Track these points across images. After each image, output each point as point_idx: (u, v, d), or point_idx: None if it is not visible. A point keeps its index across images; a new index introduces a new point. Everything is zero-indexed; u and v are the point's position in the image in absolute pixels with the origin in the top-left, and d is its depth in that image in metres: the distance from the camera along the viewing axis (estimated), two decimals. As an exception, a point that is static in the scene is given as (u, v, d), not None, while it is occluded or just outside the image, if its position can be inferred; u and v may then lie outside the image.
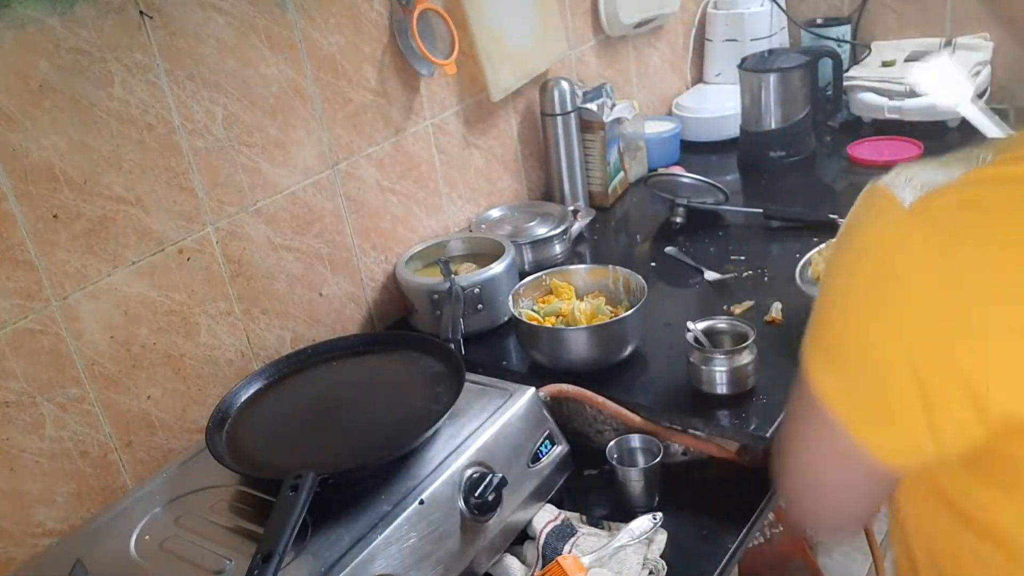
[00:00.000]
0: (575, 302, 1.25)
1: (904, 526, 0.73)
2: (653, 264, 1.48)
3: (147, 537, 0.94)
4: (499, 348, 1.32)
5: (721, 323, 1.15)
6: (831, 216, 1.46)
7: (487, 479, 0.95)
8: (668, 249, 1.50)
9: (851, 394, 0.61)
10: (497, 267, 1.34)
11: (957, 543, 0.66)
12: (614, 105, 1.69)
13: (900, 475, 0.66)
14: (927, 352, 0.56)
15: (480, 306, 1.32)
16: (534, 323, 1.22)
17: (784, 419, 0.69)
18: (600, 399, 1.12)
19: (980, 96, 1.78)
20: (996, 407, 0.55)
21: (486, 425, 1.02)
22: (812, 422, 0.65)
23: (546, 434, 1.07)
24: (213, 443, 1.00)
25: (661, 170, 1.71)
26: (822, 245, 1.33)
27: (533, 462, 1.04)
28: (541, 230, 1.51)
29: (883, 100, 1.83)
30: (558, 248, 1.51)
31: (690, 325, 1.13)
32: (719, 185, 1.55)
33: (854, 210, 0.61)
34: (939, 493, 0.66)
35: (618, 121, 1.69)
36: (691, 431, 1.10)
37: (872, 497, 0.70)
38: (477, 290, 1.31)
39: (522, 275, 1.35)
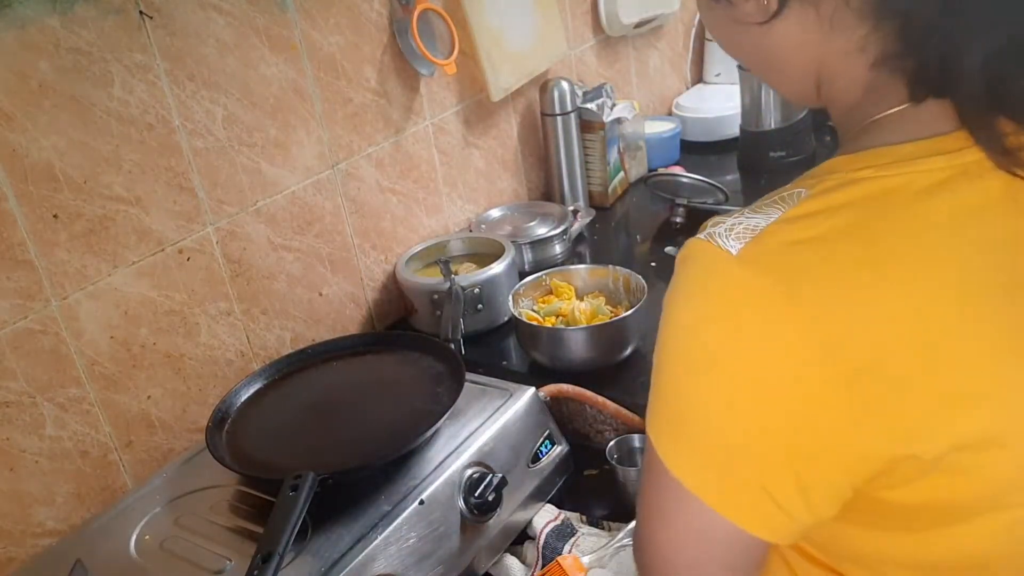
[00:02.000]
0: (575, 302, 1.25)
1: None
2: (653, 264, 1.48)
3: (147, 537, 0.94)
4: (499, 348, 1.32)
5: None
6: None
7: (487, 479, 0.96)
8: (668, 249, 1.50)
9: (709, 464, 0.55)
10: (497, 267, 1.34)
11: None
12: (614, 105, 1.69)
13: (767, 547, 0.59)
14: (798, 423, 0.51)
15: (480, 306, 1.32)
16: (534, 323, 1.22)
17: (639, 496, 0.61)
18: (600, 399, 1.12)
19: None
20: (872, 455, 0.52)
21: (486, 425, 1.02)
22: (673, 508, 0.57)
23: (546, 434, 1.07)
24: (213, 443, 1.00)
25: (661, 170, 1.71)
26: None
27: (533, 462, 1.04)
28: (541, 230, 1.51)
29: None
30: (558, 248, 1.51)
31: None
32: (719, 185, 1.55)
33: (677, 275, 0.56)
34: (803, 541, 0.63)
35: (618, 121, 1.69)
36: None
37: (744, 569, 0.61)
38: (477, 290, 1.31)
39: (522, 275, 1.35)
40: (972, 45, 0.52)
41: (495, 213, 1.58)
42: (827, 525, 0.57)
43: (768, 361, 0.51)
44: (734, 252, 0.52)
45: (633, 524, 0.97)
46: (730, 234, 0.53)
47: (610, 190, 1.72)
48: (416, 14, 1.32)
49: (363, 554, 0.86)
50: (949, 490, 0.54)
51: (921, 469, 0.52)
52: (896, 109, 0.57)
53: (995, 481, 0.53)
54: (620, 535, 0.98)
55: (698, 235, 0.55)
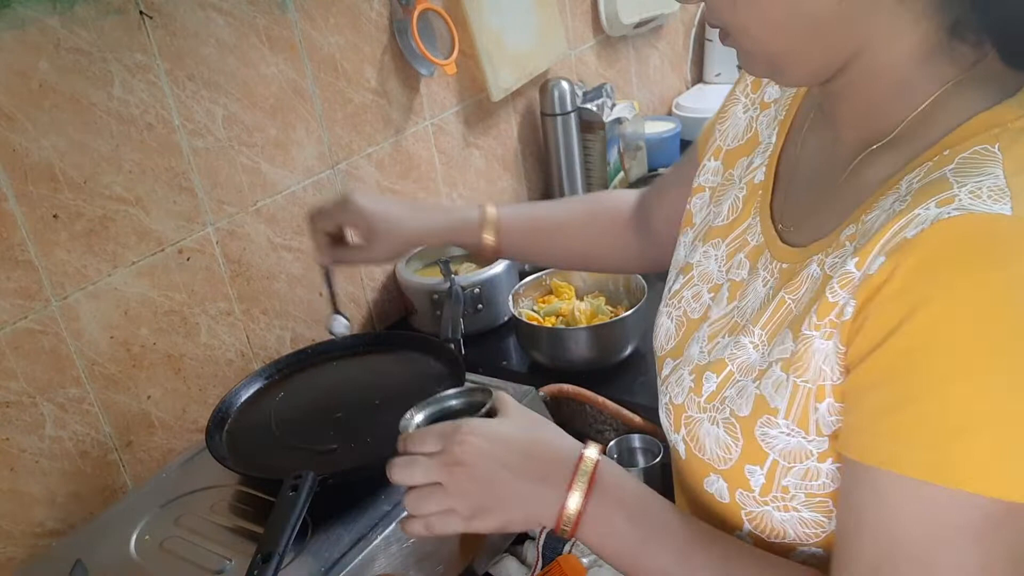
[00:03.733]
0: (575, 302, 1.25)
1: None
2: (653, 264, 1.48)
3: (147, 537, 0.94)
4: (499, 348, 1.32)
5: None
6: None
7: (487, 479, 0.95)
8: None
9: None
10: (497, 267, 1.34)
11: None
12: (614, 105, 1.69)
13: None
14: None
15: (480, 306, 1.32)
16: (534, 323, 1.22)
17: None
18: (600, 399, 1.12)
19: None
20: None
21: (486, 425, 1.02)
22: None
23: (546, 434, 1.07)
24: (213, 443, 1.00)
25: (661, 170, 1.71)
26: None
27: (533, 462, 1.04)
28: (541, 230, 1.51)
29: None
30: (558, 248, 1.51)
31: None
32: (719, 185, 1.55)
33: (955, 258, 0.49)
34: None
35: (618, 121, 1.69)
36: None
37: None
38: (477, 290, 1.31)
39: (522, 275, 1.35)
40: None
41: (495, 213, 1.58)
42: None
43: None
44: (1008, 212, 0.49)
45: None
46: (983, 200, 0.49)
47: (610, 190, 1.72)
48: (416, 14, 1.32)
49: (363, 554, 0.86)
50: None
51: None
52: (968, 72, 0.57)
53: None
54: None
55: (940, 216, 0.49)
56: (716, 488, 0.65)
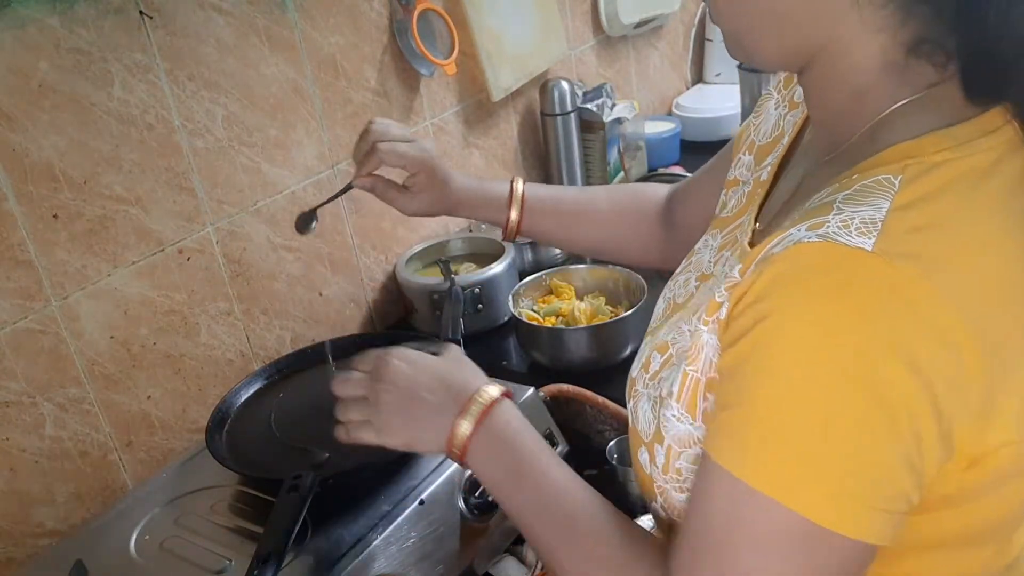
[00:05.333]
0: (575, 302, 1.25)
1: None
2: (653, 264, 1.48)
3: (147, 537, 0.94)
4: (499, 348, 1.32)
5: None
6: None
7: (487, 479, 0.95)
8: (668, 249, 1.50)
9: (853, 492, 0.51)
10: (497, 267, 1.34)
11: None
12: (614, 105, 1.69)
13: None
14: (946, 386, 0.50)
15: (480, 306, 1.32)
16: (534, 323, 1.22)
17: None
18: (600, 399, 1.12)
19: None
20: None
21: (486, 425, 1.02)
22: (782, 533, 0.52)
23: (546, 434, 1.07)
24: (213, 443, 1.00)
25: (661, 170, 1.71)
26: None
27: (533, 462, 1.04)
28: (541, 230, 1.51)
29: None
30: (558, 248, 1.51)
31: None
32: (719, 185, 1.55)
33: (799, 283, 0.51)
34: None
35: (618, 121, 1.69)
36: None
37: None
38: (477, 290, 1.31)
39: (522, 275, 1.35)
40: (1004, 34, 0.52)
41: (495, 213, 1.58)
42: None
43: (919, 343, 0.49)
44: (868, 248, 0.49)
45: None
46: (850, 231, 0.50)
47: (610, 190, 1.72)
48: (416, 14, 1.32)
49: (363, 554, 0.86)
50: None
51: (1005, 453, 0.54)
52: (923, 93, 0.57)
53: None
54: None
55: (808, 238, 0.51)
56: (642, 459, 0.67)
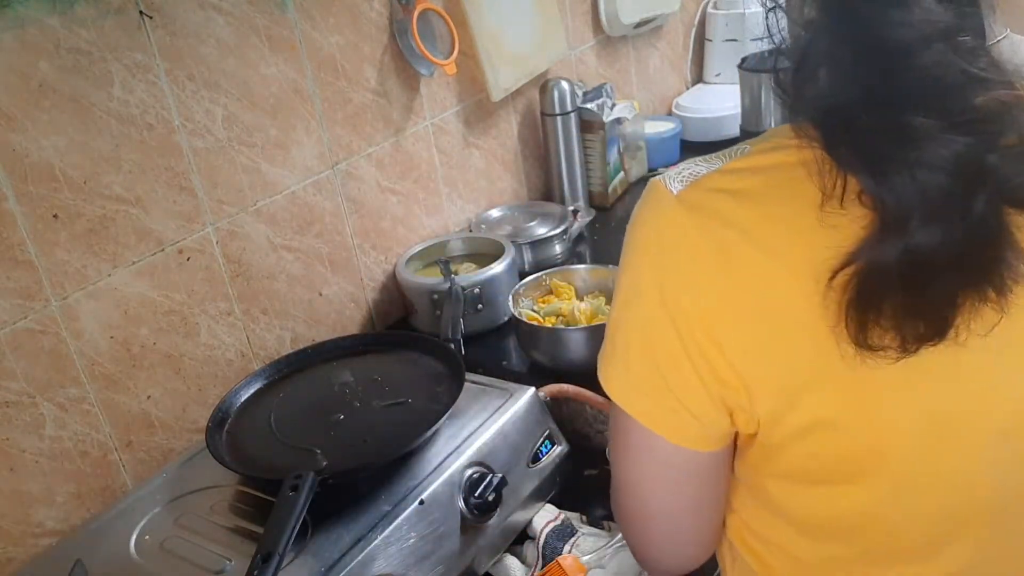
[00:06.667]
0: (575, 302, 1.25)
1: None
2: (653, 264, 1.48)
3: (147, 537, 0.94)
4: (499, 348, 1.32)
5: None
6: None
7: (487, 479, 0.95)
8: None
9: (634, 382, 0.63)
10: (497, 267, 1.34)
11: (761, 523, 0.70)
12: (614, 105, 1.69)
13: (707, 461, 0.67)
14: (693, 320, 0.58)
15: (480, 306, 1.32)
16: (534, 323, 1.22)
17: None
18: (600, 399, 1.12)
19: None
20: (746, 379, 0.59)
21: (486, 425, 1.02)
22: (618, 430, 0.67)
23: (546, 434, 1.07)
24: (213, 443, 1.00)
25: (661, 170, 1.70)
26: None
27: (533, 462, 1.04)
28: (541, 230, 1.51)
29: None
30: (558, 248, 1.51)
31: None
32: (719, 185, 1.55)
33: (636, 205, 0.64)
34: (745, 484, 0.70)
35: (618, 121, 1.69)
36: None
37: (697, 498, 0.70)
38: (477, 290, 1.31)
39: (522, 275, 1.35)
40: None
41: (495, 213, 1.58)
42: (749, 466, 0.66)
43: (678, 272, 0.59)
44: (675, 192, 0.59)
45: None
46: (677, 177, 0.60)
47: (610, 190, 1.72)
48: (416, 14, 1.32)
49: (363, 554, 0.86)
50: (808, 459, 0.61)
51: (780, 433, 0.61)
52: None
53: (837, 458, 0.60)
54: (620, 535, 0.98)
55: (657, 176, 0.63)
56: None
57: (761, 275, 0.56)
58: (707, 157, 0.62)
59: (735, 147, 0.62)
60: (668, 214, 0.59)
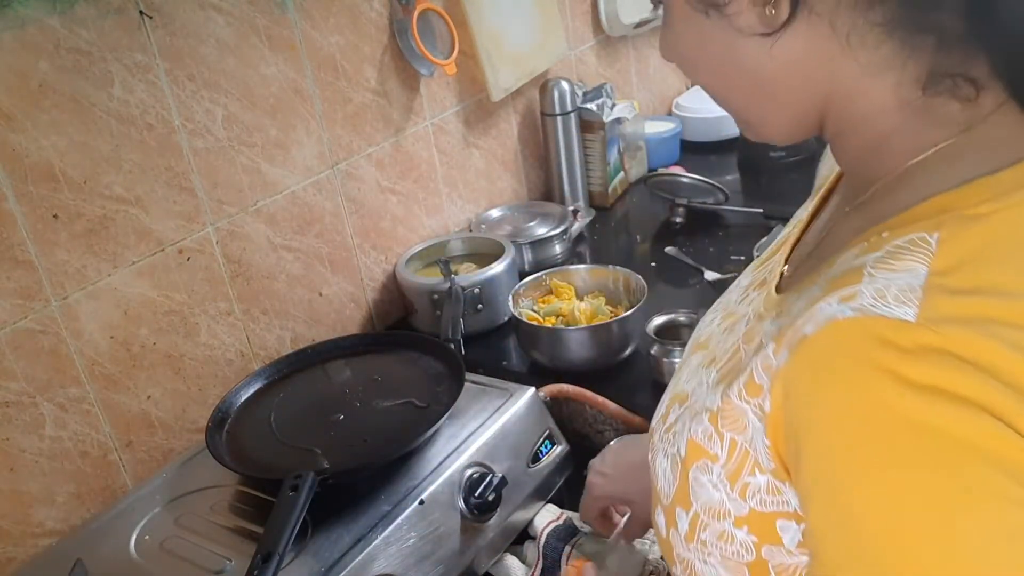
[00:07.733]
0: (575, 302, 1.25)
1: None
2: (653, 264, 1.48)
3: (147, 537, 0.94)
4: (499, 348, 1.32)
5: (682, 316, 1.15)
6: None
7: (487, 479, 0.96)
8: (668, 249, 1.50)
9: None
10: (497, 267, 1.34)
11: None
12: (614, 105, 1.69)
13: None
14: None
15: (480, 306, 1.32)
16: (534, 323, 1.22)
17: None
18: (600, 399, 1.12)
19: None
20: None
21: (486, 425, 1.02)
22: None
23: (546, 434, 1.07)
24: (213, 443, 1.00)
25: (661, 170, 1.71)
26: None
27: (533, 462, 1.04)
28: (541, 230, 1.51)
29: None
30: (558, 248, 1.51)
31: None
32: (719, 185, 1.55)
33: (833, 373, 0.45)
34: None
35: (618, 121, 1.69)
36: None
37: None
38: (477, 290, 1.31)
39: (522, 275, 1.35)
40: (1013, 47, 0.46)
41: (495, 213, 1.58)
42: None
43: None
44: (911, 319, 0.43)
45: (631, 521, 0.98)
46: (888, 301, 0.44)
47: (610, 190, 1.72)
48: (416, 14, 1.32)
49: (363, 554, 0.86)
50: None
51: None
52: (956, 137, 0.51)
53: None
54: (620, 535, 0.98)
55: (844, 314, 0.45)
56: (659, 521, 0.63)
57: None
58: (872, 268, 0.47)
59: (890, 244, 0.48)
60: (926, 344, 0.43)
